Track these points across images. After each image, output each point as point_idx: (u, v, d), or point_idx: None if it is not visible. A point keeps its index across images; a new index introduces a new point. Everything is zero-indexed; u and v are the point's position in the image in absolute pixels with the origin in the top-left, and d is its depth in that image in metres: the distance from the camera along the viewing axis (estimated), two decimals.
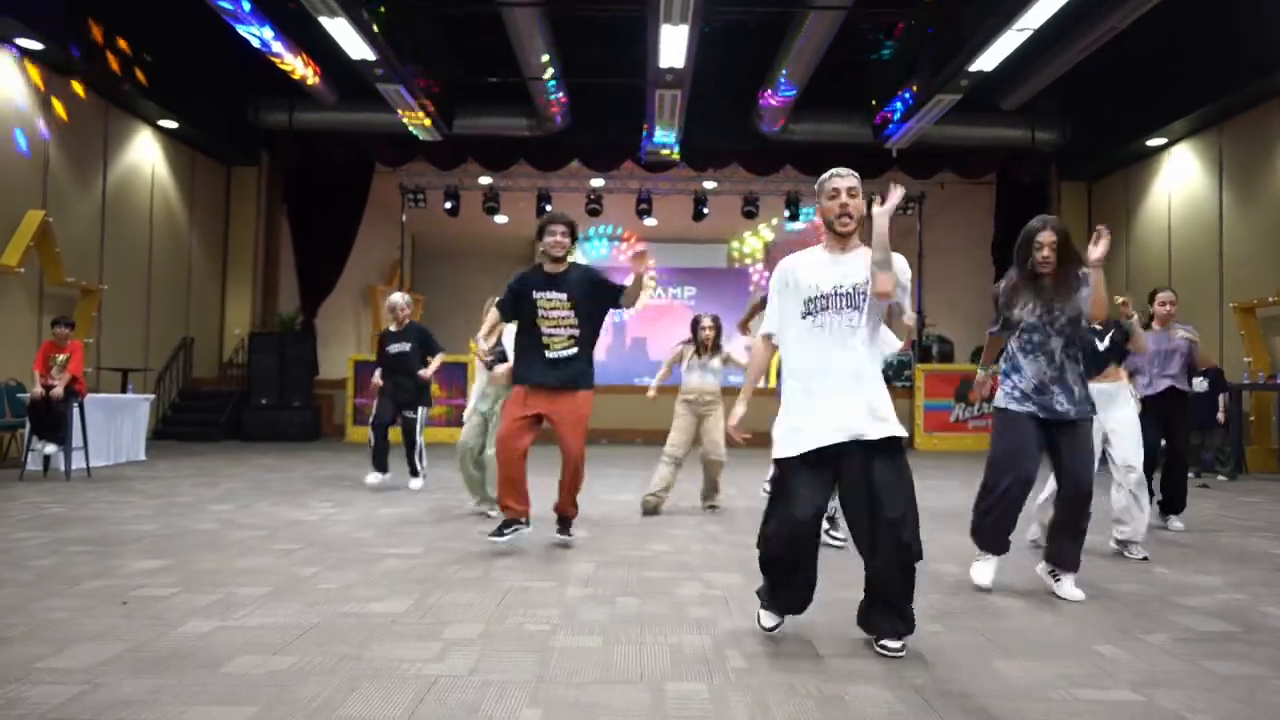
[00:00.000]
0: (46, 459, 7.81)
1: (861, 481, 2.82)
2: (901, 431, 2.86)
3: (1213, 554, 4.84)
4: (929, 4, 10.89)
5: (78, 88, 10.79)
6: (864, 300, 2.88)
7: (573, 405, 4.41)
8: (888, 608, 2.85)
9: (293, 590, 3.62)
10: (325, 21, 9.49)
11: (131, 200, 12.27)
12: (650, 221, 16.75)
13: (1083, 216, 14.98)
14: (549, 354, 4.42)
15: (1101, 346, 4.79)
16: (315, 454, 10.95)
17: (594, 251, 20.48)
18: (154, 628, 3.02)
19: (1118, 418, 4.67)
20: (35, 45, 9.76)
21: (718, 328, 6.23)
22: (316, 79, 12.48)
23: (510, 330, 5.89)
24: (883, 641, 2.83)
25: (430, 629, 3.07)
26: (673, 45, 9.78)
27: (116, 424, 9.16)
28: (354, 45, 10.04)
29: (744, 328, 6.08)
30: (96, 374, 11.28)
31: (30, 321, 10.19)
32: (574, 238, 4.49)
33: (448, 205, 15.73)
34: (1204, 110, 11.49)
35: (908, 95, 12.01)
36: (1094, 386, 4.32)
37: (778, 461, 2.93)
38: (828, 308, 2.89)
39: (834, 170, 3.03)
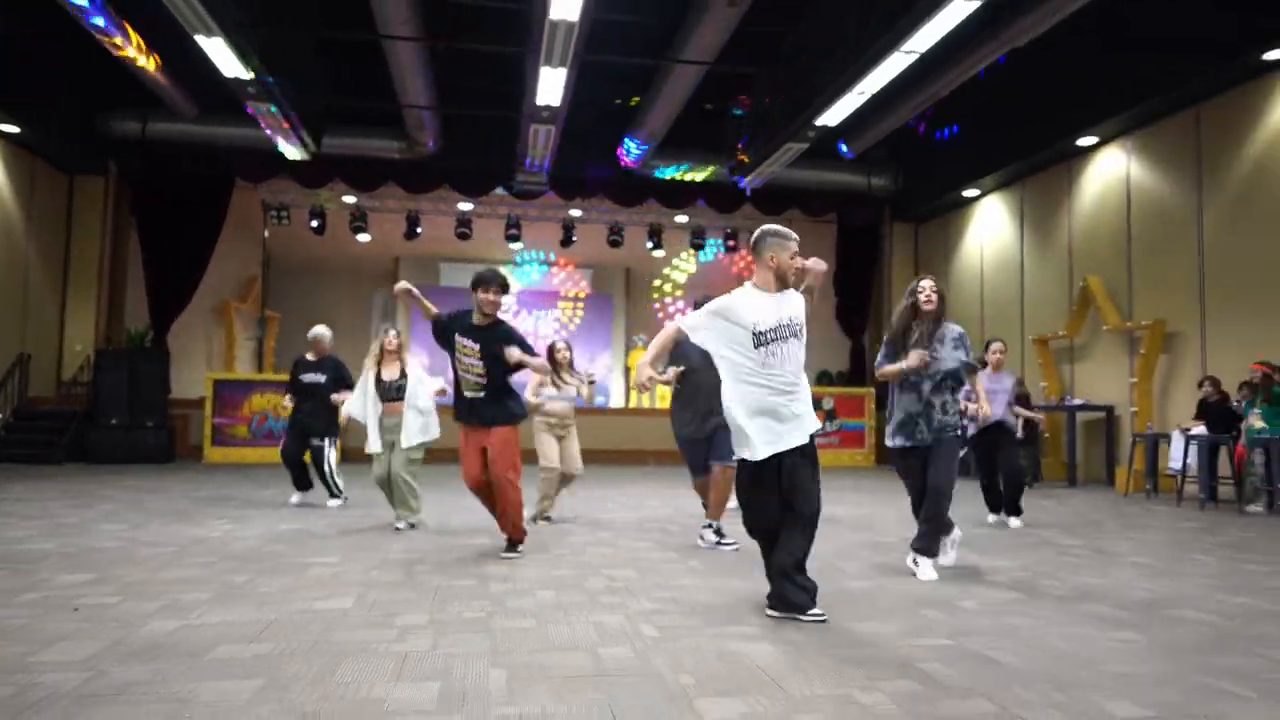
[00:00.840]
0: None
1: (789, 479, 3.63)
2: (816, 425, 3.71)
3: (1012, 545, 5.92)
4: (779, 65, 12.08)
5: None
6: (802, 331, 3.71)
7: (498, 439, 4.92)
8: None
9: (235, 595, 3.92)
10: (202, 40, 9.45)
11: None
12: (516, 245, 17.24)
13: (910, 255, 16.79)
14: (465, 393, 4.98)
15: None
16: (180, 476, 10.67)
17: (525, 277, 20.73)
18: (121, 628, 3.29)
19: None
20: None
21: (570, 350, 6.96)
22: (155, 67, 11.94)
23: (416, 371, 6.38)
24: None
25: (382, 619, 3.50)
26: (550, 85, 10.41)
27: None
28: (228, 64, 10.02)
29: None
30: None
31: None
32: (505, 291, 4.98)
33: (314, 224, 15.61)
34: (1008, 168, 13.34)
35: (760, 143, 13.19)
36: None
37: (742, 461, 3.69)
38: (776, 339, 3.63)
39: (790, 232, 3.77)
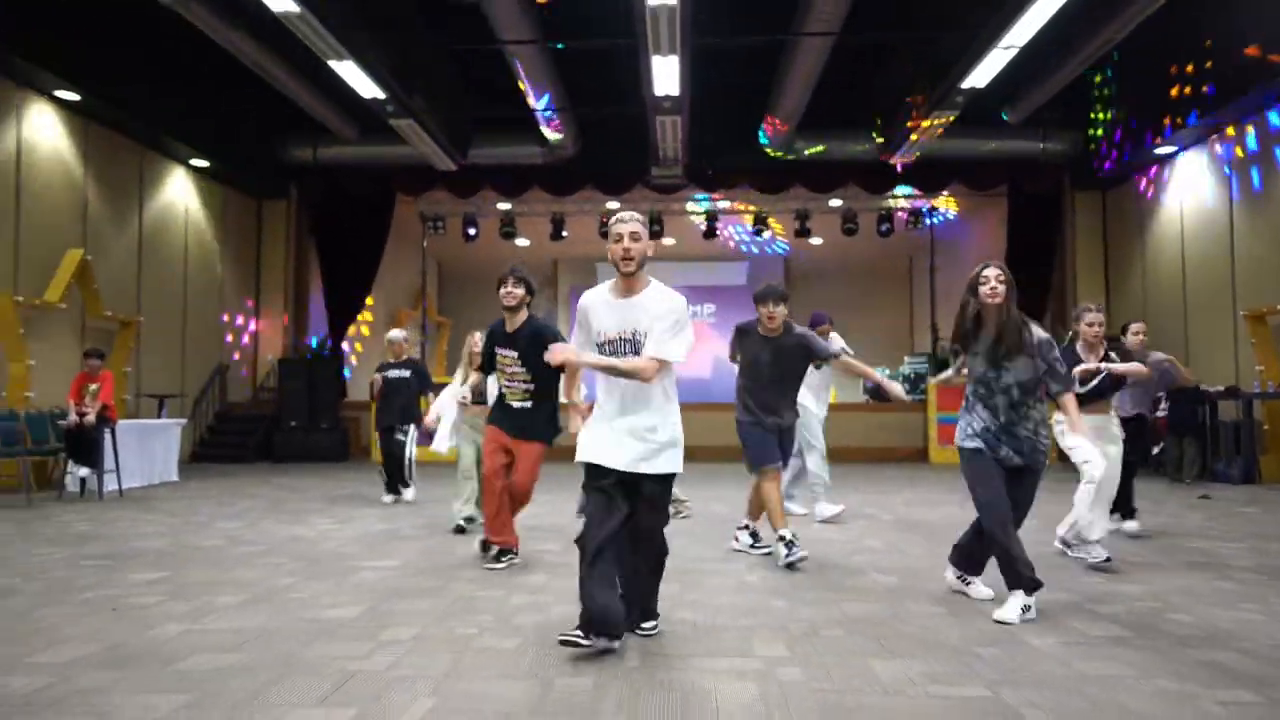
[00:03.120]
0: (83, 481, 8.39)
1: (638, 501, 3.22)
2: (673, 468, 3.25)
3: (1156, 564, 4.94)
4: (916, 28, 11.08)
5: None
6: (642, 346, 3.19)
7: (531, 453, 4.69)
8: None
9: (264, 599, 3.98)
10: (334, 64, 10.04)
11: (166, 237, 12.99)
12: (669, 241, 17.10)
13: (1098, 225, 14.93)
14: (510, 402, 4.75)
15: (1085, 390, 4.82)
16: (339, 474, 11.43)
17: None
18: (131, 631, 3.40)
19: (1107, 451, 4.82)
20: (73, 96, 10.48)
21: None
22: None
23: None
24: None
25: (370, 632, 3.40)
26: (665, 74, 10.13)
27: (149, 448, 9.73)
28: (363, 85, 10.58)
29: None
30: (136, 401, 11.95)
31: (73, 353, 10.84)
32: (529, 290, 4.70)
33: (470, 231, 16.30)
34: (1211, 115, 11.42)
35: (907, 113, 12.19)
36: (1085, 419, 4.52)
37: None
38: (615, 351, 3.23)
39: (618, 215, 3.29)
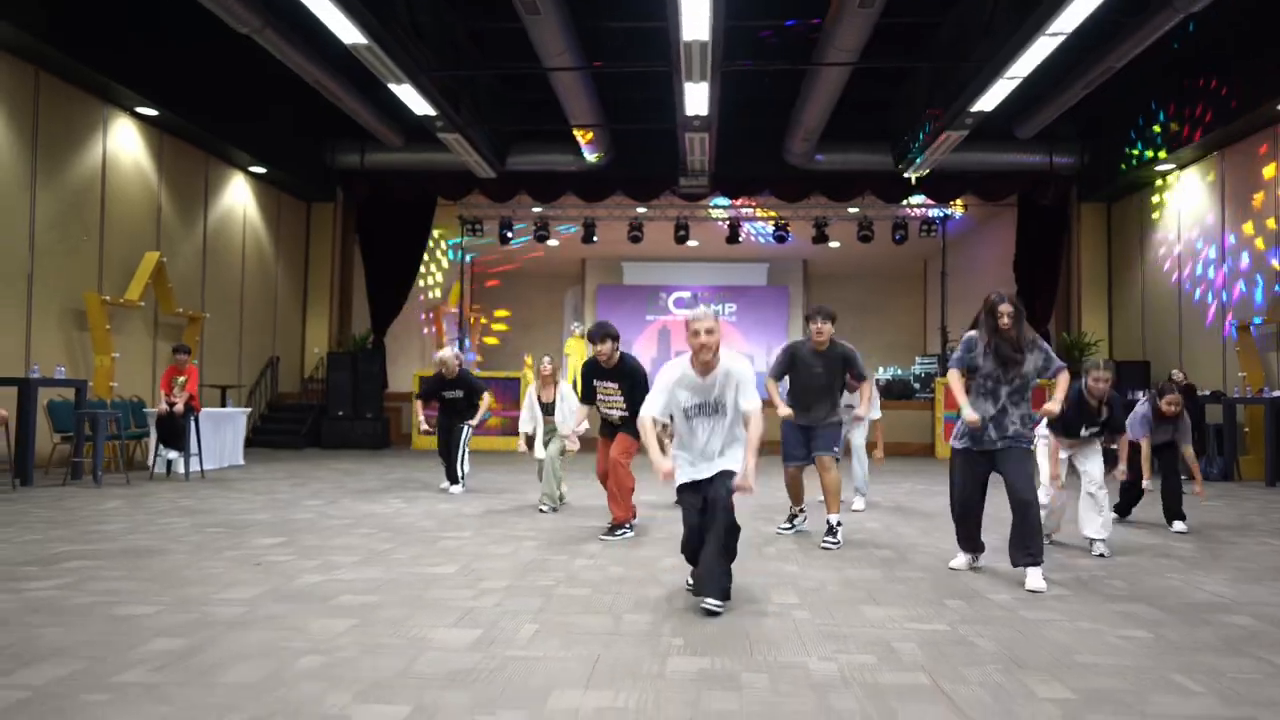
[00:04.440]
0: (169, 463, 9.40)
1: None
2: (736, 468, 3.99)
3: (1115, 545, 5.80)
4: (932, 53, 11.87)
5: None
6: (722, 408, 4.05)
7: (623, 437, 5.94)
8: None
9: (374, 559, 4.93)
10: (394, 87, 10.98)
11: (227, 238, 14.01)
12: (692, 243, 17.96)
13: (1103, 236, 15.68)
14: (610, 421, 6.09)
15: (1088, 433, 5.65)
16: (385, 460, 12.42)
17: None
18: (282, 579, 4.35)
19: (1088, 463, 5.64)
20: (151, 112, 11.49)
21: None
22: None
23: (566, 393, 7.32)
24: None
25: (471, 582, 4.33)
26: (696, 98, 11.00)
27: (220, 433, 10.74)
28: (417, 104, 11.51)
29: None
30: (201, 391, 12.97)
31: (148, 346, 11.91)
32: (617, 339, 5.92)
33: (508, 234, 17.26)
34: (1205, 138, 12.17)
35: (921, 131, 13.00)
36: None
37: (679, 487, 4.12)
38: (699, 414, 4.06)
39: (694, 314, 4.07)
